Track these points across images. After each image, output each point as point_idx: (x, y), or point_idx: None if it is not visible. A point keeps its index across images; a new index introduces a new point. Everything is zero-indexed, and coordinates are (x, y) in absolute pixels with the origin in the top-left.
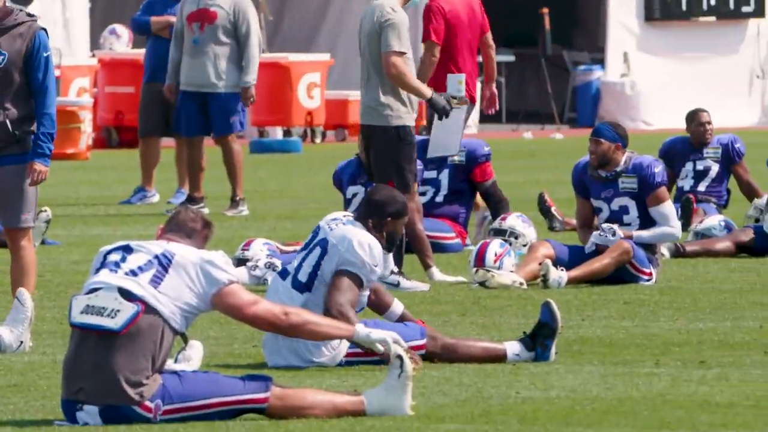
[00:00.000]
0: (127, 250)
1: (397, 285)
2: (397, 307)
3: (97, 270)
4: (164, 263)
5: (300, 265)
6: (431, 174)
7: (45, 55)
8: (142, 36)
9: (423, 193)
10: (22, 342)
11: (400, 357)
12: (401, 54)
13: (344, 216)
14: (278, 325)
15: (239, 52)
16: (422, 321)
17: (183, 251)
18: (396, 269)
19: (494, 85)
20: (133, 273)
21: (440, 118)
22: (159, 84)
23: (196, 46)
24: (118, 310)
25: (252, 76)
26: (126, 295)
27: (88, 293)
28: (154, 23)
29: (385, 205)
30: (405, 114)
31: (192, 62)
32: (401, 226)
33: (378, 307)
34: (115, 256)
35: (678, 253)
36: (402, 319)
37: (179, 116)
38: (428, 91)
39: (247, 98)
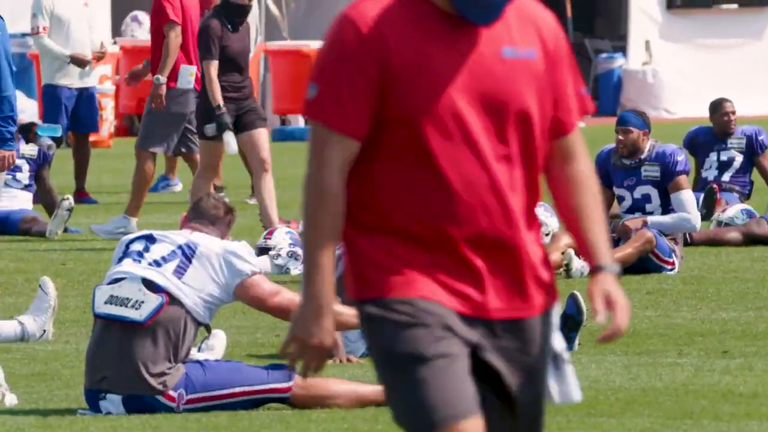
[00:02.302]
0: (150, 239)
1: None
2: None
3: (120, 259)
4: (188, 254)
5: None
6: None
7: None
8: None
9: None
10: (45, 331)
11: None
12: None
13: None
14: None
15: None
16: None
17: (206, 242)
18: None
19: None
20: (157, 263)
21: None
22: None
23: None
24: (143, 302)
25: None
26: (150, 286)
27: (111, 283)
28: None
29: None
30: None
31: None
32: None
33: None
34: (137, 246)
35: (685, 242)
36: None
37: None
38: None
39: None
